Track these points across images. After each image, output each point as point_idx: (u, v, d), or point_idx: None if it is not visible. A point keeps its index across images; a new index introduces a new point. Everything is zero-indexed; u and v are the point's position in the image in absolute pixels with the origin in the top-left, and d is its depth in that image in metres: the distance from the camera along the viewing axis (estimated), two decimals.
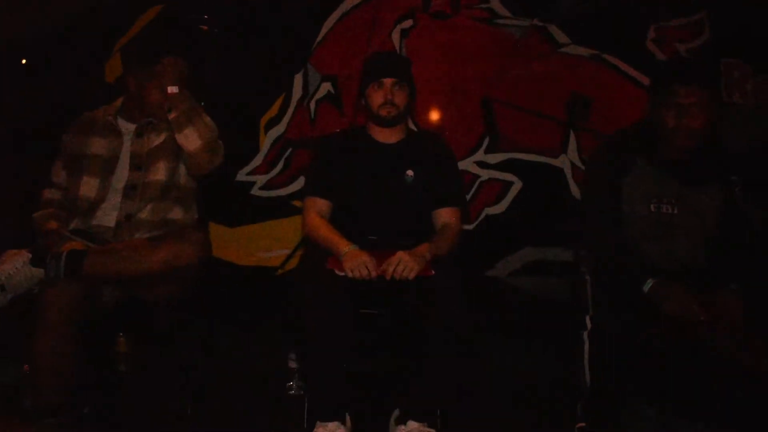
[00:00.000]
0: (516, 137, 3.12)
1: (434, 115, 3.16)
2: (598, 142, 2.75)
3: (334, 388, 1.98)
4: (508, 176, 3.12)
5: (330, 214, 2.28)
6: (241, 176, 3.18)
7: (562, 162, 3.11)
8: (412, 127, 2.95)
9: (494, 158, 3.12)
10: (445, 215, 2.30)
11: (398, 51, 3.11)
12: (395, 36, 3.14)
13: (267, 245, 3.18)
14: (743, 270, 2.04)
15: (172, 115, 2.18)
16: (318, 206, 2.27)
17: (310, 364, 2.06)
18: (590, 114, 3.09)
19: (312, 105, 3.17)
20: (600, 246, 2.11)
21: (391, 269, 2.02)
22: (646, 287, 1.95)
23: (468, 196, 3.08)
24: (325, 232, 2.19)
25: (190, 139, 2.17)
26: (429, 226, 2.30)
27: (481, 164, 3.12)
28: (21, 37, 3.10)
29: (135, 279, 2.03)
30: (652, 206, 2.05)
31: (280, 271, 3.15)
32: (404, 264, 2.01)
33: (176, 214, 2.28)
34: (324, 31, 3.17)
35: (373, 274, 2.01)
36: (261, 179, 3.19)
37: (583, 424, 2.03)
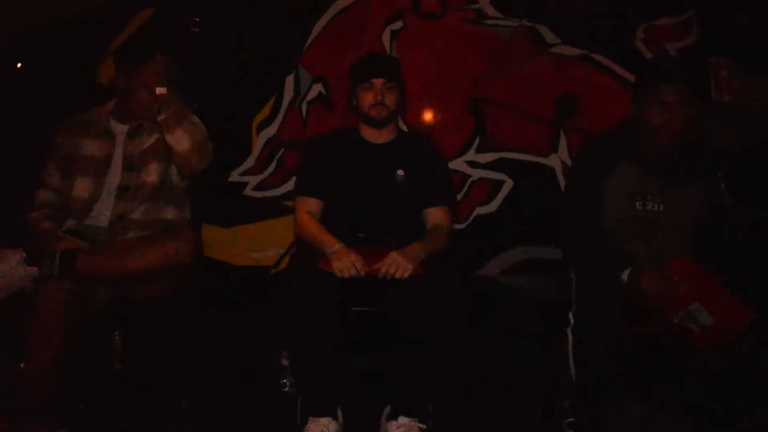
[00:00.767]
0: (506, 137, 3.15)
1: (425, 115, 3.19)
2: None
3: (324, 384, 2.00)
4: (499, 175, 3.16)
5: (320, 213, 2.30)
6: (234, 177, 3.20)
7: (552, 161, 3.14)
8: (403, 127, 2.98)
9: (485, 158, 3.16)
10: (436, 214, 2.32)
11: (388, 52, 3.14)
12: (385, 37, 3.17)
13: (260, 245, 3.21)
14: (727, 267, 2.06)
15: (161, 117, 2.19)
16: (308, 205, 2.29)
17: (299, 361, 2.08)
18: (580, 113, 3.13)
19: (304, 106, 3.20)
20: (575, 241, 2.13)
21: (384, 269, 2.04)
22: (624, 276, 1.97)
23: (459, 196, 3.11)
24: (313, 230, 2.21)
25: (180, 140, 2.19)
26: (419, 225, 2.32)
27: (472, 164, 3.15)
28: (14, 39, 3.12)
29: (127, 278, 2.05)
30: (637, 204, 2.06)
31: (273, 270, 3.18)
32: (397, 264, 2.04)
33: (169, 213, 2.30)
34: (315, 32, 3.20)
35: (362, 272, 2.03)
36: (254, 179, 3.21)
37: (572, 419, 2.06)
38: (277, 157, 3.20)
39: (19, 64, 3.21)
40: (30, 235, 2.16)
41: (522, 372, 2.64)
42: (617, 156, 2.09)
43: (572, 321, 2.03)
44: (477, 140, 3.15)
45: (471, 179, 3.15)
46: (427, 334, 1.96)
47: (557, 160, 3.13)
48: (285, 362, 2.47)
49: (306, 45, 3.20)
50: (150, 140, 2.30)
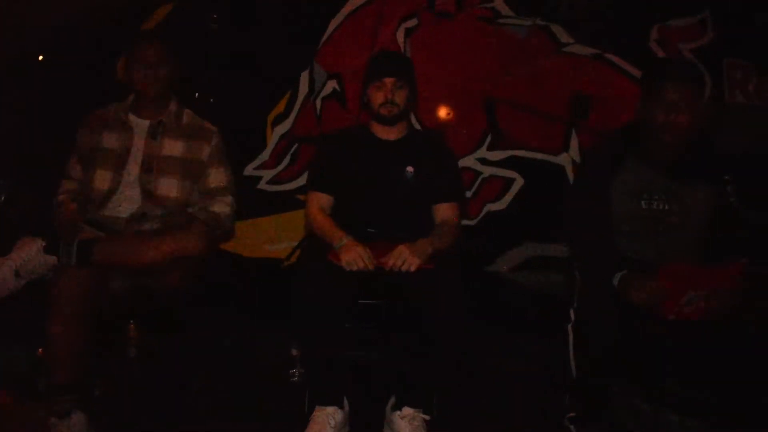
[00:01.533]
0: (518, 135, 3.16)
1: (438, 113, 3.20)
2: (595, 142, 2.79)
3: (332, 373, 2.05)
4: (510, 173, 3.18)
5: (331, 208, 2.35)
6: (249, 171, 3.26)
7: (563, 160, 3.16)
8: (416, 124, 3.01)
9: (496, 155, 3.17)
10: (445, 210, 2.35)
11: (402, 49, 3.15)
12: (399, 34, 3.19)
13: (273, 238, 3.25)
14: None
15: None
16: (319, 200, 2.34)
17: (309, 351, 2.13)
18: (592, 113, 3.13)
19: (318, 102, 3.24)
20: (578, 239, 2.14)
21: (391, 262, 2.08)
22: (615, 280, 1.95)
23: (470, 193, 3.13)
24: (324, 224, 2.26)
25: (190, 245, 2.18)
26: (428, 221, 2.35)
27: (483, 161, 3.17)
28: (32, 35, 3.18)
29: (142, 268, 2.10)
30: (643, 203, 2.05)
31: (285, 263, 3.22)
32: (404, 258, 2.08)
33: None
34: (330, 29, 3.22)
35: (370, 265, 2.08)
36: (268, 174, 3.26)
37: (573, 414, 2.08)
38: (291, 153, 3.24)
39: (40, 57, 3.27)
40: (55, 216, 2.20)
41: (526, 366, 2.65)
42: (624, 154, 2.08)
43: (573, 318, 2.06)
44: (489, 138, 3.17)
45: (482, 176, 3.17)
46: (434, 328, 1.99)
47: (568, 159, 3.14)
48: (294, 353, 2.53)
49: (321, 42, 3.23)
50: (172, 149, 2.34)
